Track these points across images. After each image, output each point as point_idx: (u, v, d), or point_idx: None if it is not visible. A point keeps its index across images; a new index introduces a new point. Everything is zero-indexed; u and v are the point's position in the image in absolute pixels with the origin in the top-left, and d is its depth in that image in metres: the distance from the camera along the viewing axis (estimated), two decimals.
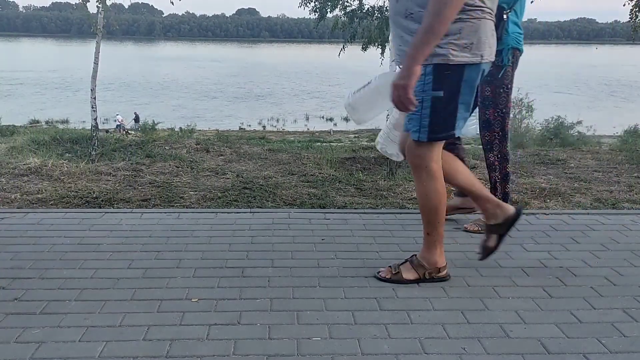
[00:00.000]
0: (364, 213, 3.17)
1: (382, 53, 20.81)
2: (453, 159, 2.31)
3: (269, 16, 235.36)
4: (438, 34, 1.90)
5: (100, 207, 3.29)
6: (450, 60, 1.98)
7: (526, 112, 19.60)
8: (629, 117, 24.59)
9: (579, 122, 18.57)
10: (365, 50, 21.19)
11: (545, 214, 3.22)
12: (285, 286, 2.17)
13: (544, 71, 64.41)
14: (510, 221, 2.27)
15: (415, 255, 2.25)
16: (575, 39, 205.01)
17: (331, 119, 33.74)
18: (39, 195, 3.45)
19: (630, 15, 13.59)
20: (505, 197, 2.87)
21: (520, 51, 2.80)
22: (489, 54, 2.07)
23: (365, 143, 10.90)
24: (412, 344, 1.77)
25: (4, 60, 64.77)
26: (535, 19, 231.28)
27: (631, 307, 2.05)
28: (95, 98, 6.92)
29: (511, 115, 2.78)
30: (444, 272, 2.24)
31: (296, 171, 4.30)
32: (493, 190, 2.88)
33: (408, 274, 2.21)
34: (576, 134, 17.81)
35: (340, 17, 20.86)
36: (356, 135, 25.96)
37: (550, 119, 18.34)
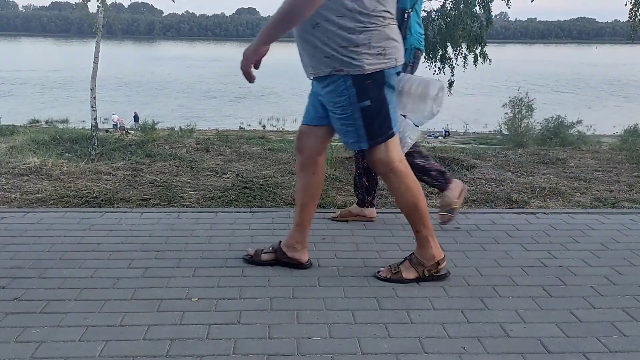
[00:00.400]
0: None
1: None
2: (318, 186, 2.33)
3: (268, 15, 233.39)
4: (289, 24, 2.00)
5: (100, 207, 3.29)
6: (367, 69, 2.02)
7: (526, 112, 19.64)
8: (629, 116, 24.62)
9: (579, 122, 18.60)
10: None
11: (545, 213, 3.22)
12: (285, 286, 2.17)
13: (544, 71, 64.42)
14: (292, 263, 2.33)
15: (414, 253, 2.26)
16: (575, 39, 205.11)
17: None
18: (39, 195, 3.45)
19: (629, 14, 13.59)
20: (444, 174, 2.90)
21: (421, 51, 2.85)
22: (401, 56, 2.13)
23: None
24: (412, 343, 1.77)
25: (5, 59, 64.76)
26: (535, 18, 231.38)
27: (631, 306, 2.05)
28: (95, 98, 6.90)
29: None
30: (443, 265, 2.23)
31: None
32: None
33: (408, 273, 2.21)
34: (576, 133, 17.85)
35: None
36: None
37: (550, 119, 18.37)
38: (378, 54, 2.02)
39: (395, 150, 2.16)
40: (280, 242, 2.37)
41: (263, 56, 2.05)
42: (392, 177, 2.16)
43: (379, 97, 2.07)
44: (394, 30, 2.09)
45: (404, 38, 2.64)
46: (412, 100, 2.47)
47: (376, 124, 2.09)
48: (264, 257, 2.37)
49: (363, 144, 2.12)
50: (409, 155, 2.81)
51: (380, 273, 2.25)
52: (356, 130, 2.10)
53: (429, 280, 2.21)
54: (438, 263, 2.22)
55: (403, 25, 2.64)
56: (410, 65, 2.77)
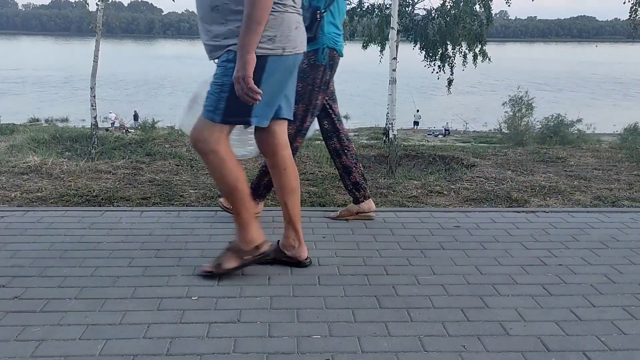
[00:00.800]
0: None
1: (382, 51, 20.84)
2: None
3: None
4: (259, 21, 1.95)
5: (100, 206, 3.29)
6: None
7: (526, 110, 19.62)
8: (629, 115, 24.60)
9: (579, 120, 18.56)
10: (365, 48, 21.17)
11: (545, 211, 3.22)
12: (285, 284, 2.17)
13: (544, 69, 64.37)
14: (292, 262, 2.32)
15: (232, 241, 2.23)
16: (575, 37, 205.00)
17: None
18: (39, 194, 3.45)
19: (630, 12, 13.59)
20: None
21: (339, 53, 2.83)
22: (293, 47, 2.10)
23: (365, 141, 10.90)
24: (412, 341, 1.77)
25: (5, 58, 64.72)
26: (536, 16, 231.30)
27: (631, 304, 2.05)
28: (94, 96, 6.89)
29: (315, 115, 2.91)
30: (264, 248, 2.21)
31: None
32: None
33: (229, 262, 2.20)
34: (576, 132, 17.82)
35: None
36: (356, 133, 25.94)
37: (550, 117, 18.34)
38: (268, 39, 2.02)
39: (222, 134, 2.13)
40: (279, 241, 2.37)
41: (253, 67, 2.00)
42: (212, 159, 2.13)
43: (254, 81, 2.01)
44: (292, 20, 2.08)
45: (315, 38, 2.66)
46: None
47: (238, 105, 2.06)
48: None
49: (217, 116, 2.09)
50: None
51: (203, 268, 2.22)
52: (218, 101, 2.08)
53: (251, 263, 2.19)
54: (258, 247, 2.19)
55: (315, 25, 2.65)
56: (324, 67, 2.76)
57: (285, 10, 2.06)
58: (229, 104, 2.07)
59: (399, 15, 10.45)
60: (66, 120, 27.53)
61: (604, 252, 2.59)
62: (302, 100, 2.77)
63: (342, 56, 2.88)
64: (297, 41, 2.13)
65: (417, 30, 21.02)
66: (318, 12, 2.65)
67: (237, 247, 2.21)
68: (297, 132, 2.82)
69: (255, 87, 1.98)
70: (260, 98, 2.01)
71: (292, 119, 2.35)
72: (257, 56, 2.00)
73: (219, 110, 2.09)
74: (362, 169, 3.05)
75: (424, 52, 21.56)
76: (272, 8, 2.00)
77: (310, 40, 2.61)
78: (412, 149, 5.65)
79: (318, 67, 2.75)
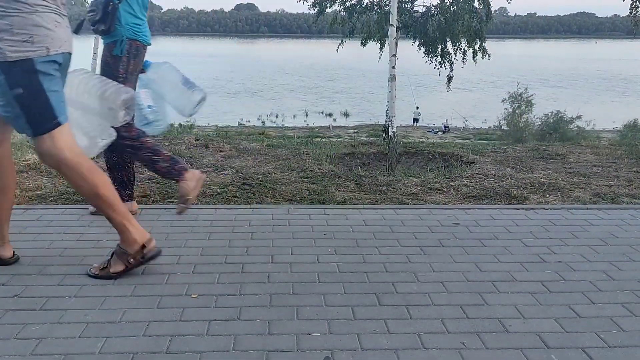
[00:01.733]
0: (364, 209, 3.17)
1: (381, 48, 20.84)
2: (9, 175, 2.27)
3: (267, 11, 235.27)
4: None
5: None
6: (9, 57, 1.95)
7: (525, 107, 19.64)
8: (628, 111, 24.61)
9: (579, 117, 18.58)
10: (364, 45, 21.17)
11: (544, 208, 3.22)
12: (284, 282, 2.17)
13: (544, 66, 64.29)
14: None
15: (118, 244, 2.21)
16: (575, 34, 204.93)
17: (330, 115, 33.78)
18: (39, 192, 3.45)
19: (630, 9, 13.59)
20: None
21: (143, 42, 2.80)
22: (58, 45, 2.05)
23: (365, 138, 10.90)
24: (411, 339, 1.77)
25: None
26: (535, 13, 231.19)
27: (630, 301, 2.06)
28: None
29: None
30: (150, 246, 2.19)
31: (295, 167, 4.30)
32: (117, 180, 2.88)
33: (116, 266, 2.17)
34: (575, 128, 17.84)
35: (340, 12, 20.84)
36: (355, 130, 25.97)
37: (549, 114, 18.36)
38: (24, 41, 1.96)
39: (63, 140, 2.08)
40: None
41: None
42: (64, 169, 2.10)
43: (33, 86, 1.98)
44: (47, 18, 2.01)
45: (110, 30, 2.64)
46: (87, 99, 2.46)
47: (35, 113, 2.02)
48: None
49: (28, 131, 2.06)
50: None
51: (91, 270, 2.20)
52: (17, 118, 2.04)
53: (139, 265, 2.17)
54: (143, 246, 2.17)
55: (108, 17, 2.61)
56: (126, 57, 2.74)
57: (35, 10, 1.98)
58: (28, 117, 2.03)
59: (398, 12, 10.43)
60: None
61: (603, 249, 2.59)
62: None
63: (148, 45, 2.85)
64: (62, 40, 2.07)
65: (417, 27, 21.02)
66: (111, 3, 2.61)
67: (121, 251, 2.18)
68: (124, 125, 2.74)
69: None
70: None
71: (65, 121, 2.17)
72: (21, 60, 1.95)
73: (24, 125, 2.04)
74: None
75: (423, 49, 21.56)
76: (17, 9, 1.94)
77: (106, 33, 2.64)
78: (412, 146, 5.65)
79: (120, 58, 2.73)
